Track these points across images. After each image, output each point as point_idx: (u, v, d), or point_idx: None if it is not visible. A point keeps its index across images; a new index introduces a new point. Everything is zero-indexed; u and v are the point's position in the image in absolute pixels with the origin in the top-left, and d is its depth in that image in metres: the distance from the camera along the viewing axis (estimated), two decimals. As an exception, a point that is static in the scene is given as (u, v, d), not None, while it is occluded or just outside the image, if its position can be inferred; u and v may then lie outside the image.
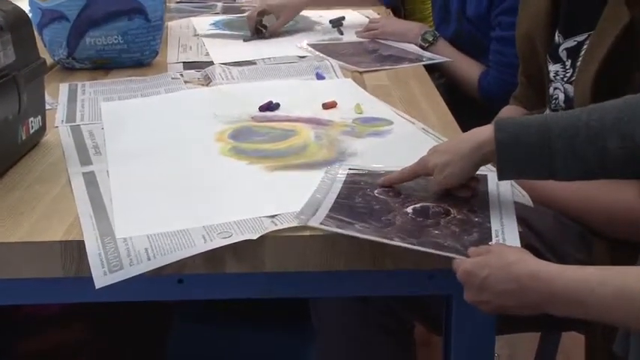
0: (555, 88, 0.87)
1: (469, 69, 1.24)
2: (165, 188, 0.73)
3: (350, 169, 0.75)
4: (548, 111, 0.88)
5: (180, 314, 1.09)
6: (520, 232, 0.64)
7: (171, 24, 1.46)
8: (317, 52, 1.24)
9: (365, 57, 1.22)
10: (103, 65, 1.15)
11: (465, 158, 0.67)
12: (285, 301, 0.94)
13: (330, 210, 0.65)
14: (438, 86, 1.08)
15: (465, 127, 0.92)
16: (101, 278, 0.59)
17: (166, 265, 0.60)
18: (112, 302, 0.64)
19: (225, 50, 1.27)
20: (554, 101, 0.88)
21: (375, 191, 0.69)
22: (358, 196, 0.68)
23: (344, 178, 0.72)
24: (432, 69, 1.23)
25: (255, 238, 0.62)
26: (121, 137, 0.87)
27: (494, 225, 0.64)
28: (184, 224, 0.65)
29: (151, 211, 0.68)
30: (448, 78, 1.28)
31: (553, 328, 0.92)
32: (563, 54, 0.85)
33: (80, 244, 0.62)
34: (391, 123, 0.91)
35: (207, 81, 1.10)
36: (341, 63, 1.17)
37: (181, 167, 0.78)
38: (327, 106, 0.97)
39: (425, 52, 1.26)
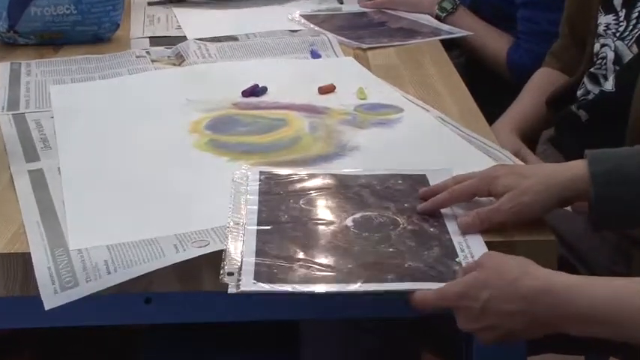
0: (603, 45, 0.86)
1: (496, 42, 1.24)
2: (129, 190, 0.73)
3: (261, 171, 0.73)
4: (586, 79, 0.87)
5: (148, 339, 1.09)
6: (547, 242, 0.64)
7: (135, -10, 1.47)
8: (311, 25, 1.24)
9: (369, 31, 1.23)
10: (53, 40, 1.15)
11: (551, 189, 0.63)
12: (271, 324, 0.94)
13: (258, 252, 0.62)
14: (455, 65, 1.08)
15: (489, 115, 0.93)
16: (51, 298, 0.59)
17: (131, 280, 0.61)
18: (66, 327, 0.65)
19: (202, 23, 1.27)
20: (599, 61, 0.87)
21: (301, 201, 0.68)
22: (282, 211, 0.67)
23: (257, 188, 0.71)
24: (450, 45, 1.23)
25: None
26: (74, 128, 0.87)
27: (455, 236, 0.64)
28: (152, 232, 0.65)
29: (111, 216, 0.68)
30: (470, 54, 1.29)
31: (596, 351, 0.93)
32: (617, 2, 0.84)
33: (26, 257, 0.62)
34: (401, 110, 0.91)
35: (180, 60, 1.10)
36: (340, 38, 1.17)
37: (148, 164, 0.78)
38: (324, 90, 0.97)
39: (442, 24, 1.26)
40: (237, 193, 0.70)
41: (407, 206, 0.68)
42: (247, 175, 0.73)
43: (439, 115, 0.89)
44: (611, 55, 0.85)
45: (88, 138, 0.85)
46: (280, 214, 0.67)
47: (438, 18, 1.28)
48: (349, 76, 1.02)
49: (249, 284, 0.59)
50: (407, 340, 0.80)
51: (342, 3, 1.38)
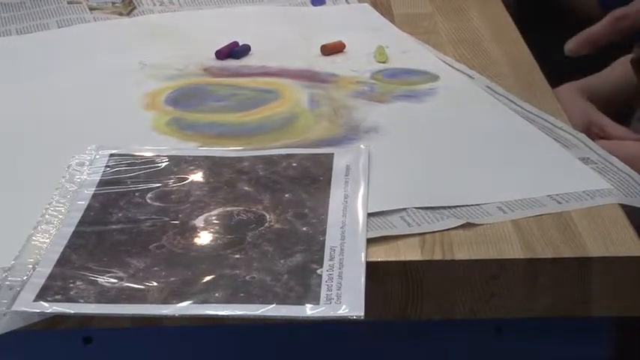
0: None
1: None
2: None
3: (112, 154, 0.76)
4: None
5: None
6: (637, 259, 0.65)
7: None
8: (312, -42, 1.26)
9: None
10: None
11: None
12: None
13: (60, 261, 0.64)
14: (507, 1, 1.09)
15: (556, 76, 0.93)
16: None
17: (64, 313, 0.62)
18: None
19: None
20: None
21: (149, 195, 0.71)
22: (118, 208, 0.70)
23: (97, 178, 0.73)
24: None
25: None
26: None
27: (331, 238, 0.66)
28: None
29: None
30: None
31: None
32: None
33: None
34: (436, 78, 0.92)
35: (129, 8, 1.11)
36: (352, -24, 1.18)
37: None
38: (329, 49, 0.98)
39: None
40: (69, 183, 0.73)
41: (287, 197, 0.71)
42: (92, 159, 0.76)
43: (488, 85, 0.90)
44: None
45: (2, 117, 0.86)
46: (113, 213, 0.70)
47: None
48: (364, 31, 1.03)
49: (25, 303, 0.61)
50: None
51: None
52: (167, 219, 0.69)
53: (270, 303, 0.61)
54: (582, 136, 0.81)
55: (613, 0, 1.19)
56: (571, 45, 0.73)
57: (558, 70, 0.97)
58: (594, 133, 1.02)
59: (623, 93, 1.08)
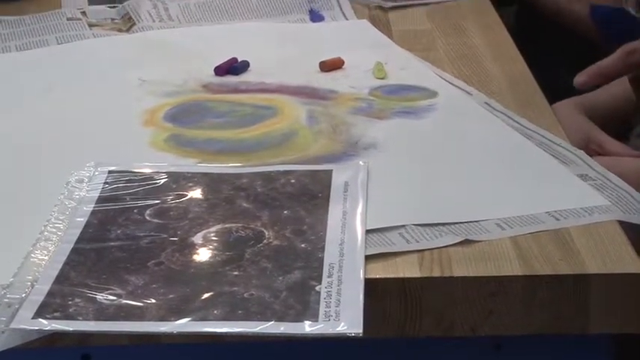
0: None
1: None
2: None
3: (111, 171, 0.76)
4: None
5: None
6: (638, 276, 0.65)
7: None
8: (311, -25, 1.26)
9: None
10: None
11: None
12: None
13: (58, 278, 0.64)
14: (505, 18, 1.09)
15: (555, 93, 0.94)
16: None
17: (62, 330, 0.62)
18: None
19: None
20: None
21: (147, 212, 0.71)
22: (117, 225, 0.70)
23: (96, 195, 0.73)
24: (502, 1, 1.25)
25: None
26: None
27: (330, 255, 0.66)
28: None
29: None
30: (536, 10, 1.29)
31: None
32: None
33: None
34: (435, 94, 0.92)
35: (128, 24, 1.12)
36: (352, -8, 1.19)
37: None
38: (328, 66, 0.98)
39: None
40: (67, 200, 0.73)
41: (286, 214, 0.71)
42: (91, 176, 0.76)
43: (486, 101, 0.91)
44: None
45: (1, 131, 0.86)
46: (112, 230, 0.69)
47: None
48: (363, 47, 1.04)
49: (23, 321, 0.61)
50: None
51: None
52: (166, 236, 0.69)
53: (269, 320, 0.60)
54: (580, 152, 0.81)
55: (603, 13, 1.20)
56: (581, 78, 0.74)
57: (556, 86, 0.97)
58: (592, 150, 1.02)
59: (621, 109, 1.08)
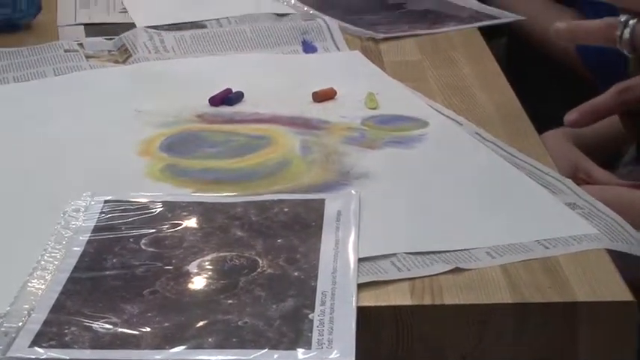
0: None
1: None
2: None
3: (107, 201, 0.77)
4: None
5: None
6: (625, 305, 0.65)
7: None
8: (305, 6, 1.26)
9: (383, 14, 1.25)
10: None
11: None
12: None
13: (55, 307, 0.65)
14: (495, 49, 1.10)
15: (543, 123, 0.94)
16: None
17: (59, 359, 0.62)
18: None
19: (155, 4, 1.29)
20: None
21: (143, 241, 0.72)
22: (112, 254, 0.70)
23: (92, 224, 0.74)
24: (493, 32, 1.26)
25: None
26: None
27: (322, 283, 0.67)
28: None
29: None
30: (527, 43, 1.30)
31: None
32: None
33: None
34: (426, 124, 0.93)
35: (125, 55, 1.12)
36: (344, 24, 1.19)
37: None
38: (321, 96, 0.99)
39: (483, 5, 1.28)
40: (64, 229, 0.73)
41: (279, 242, 0.72)
42: (87, 205, 0.76)
43: (476, 131, 0.91)
44: None
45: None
46: (108, 258, 0.70)
47: (478, -6, 1.31)
48: (355, 78, 1.05)
49: (20, 349, 0.61)
50: None
51: (346, -24, 1.41)
52: (161, 264, 0.70)
53: (263, 348, 0.61)
54: (569, 181, 0.82)
55: (592, 54, 1.21)
56: (572, 116, 0.74)
57: (545, 116, 0.98)
58: (580, 179, 1.03)
59: (609, 139, 1.09)
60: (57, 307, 0.65)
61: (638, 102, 0.76)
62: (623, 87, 0.75)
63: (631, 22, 0.74)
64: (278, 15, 1.23)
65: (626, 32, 0.74)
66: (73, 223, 0.75)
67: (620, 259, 0.71)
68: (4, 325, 0.63)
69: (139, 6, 1.28)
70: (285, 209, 0.76)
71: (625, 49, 0.75)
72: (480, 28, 1.20)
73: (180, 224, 0.75)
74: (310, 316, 0.63)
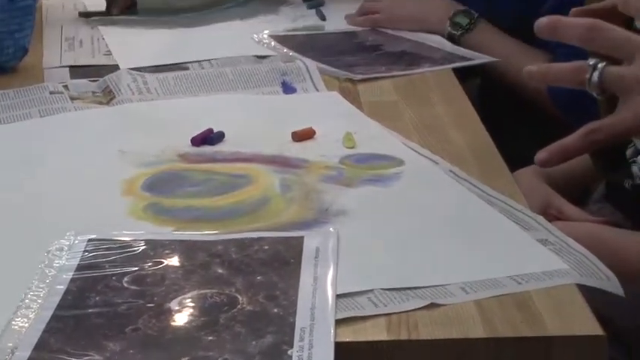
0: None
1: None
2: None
3: (91, 239, 0.78)
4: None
5: None
6: (594, 339, 0.67)
7: (49, 3, 1.50)
8: (284, 49, 1.28)
9: (361, 56, 1.27)
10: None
11: None
12: None
13: (38, 345, 0.65)
14: (469, 89, 1.11)
15: (515, 161, 0.96)
16: None
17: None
18: None
19: (139, 47, 1.31)
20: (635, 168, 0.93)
21: (125, 279, 0.73)
22: (95, 292, 0.71)
23: (75, 263, 0.75)
24: (467, 73, 1.28)
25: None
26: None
27: (301, 319, 0.68)
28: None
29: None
30: (500, 84, 1.33)
31: None
32: None
33: None
34: (402, 163, 0.94)
35: (109, 97, 1.13)
36: (322, 66, 1.21)
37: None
38: (300, 136, 1.00)
39: (457, 47, 1.30)
40: (48, 268, 0.74)
41: (259, 279, 0.73)
42: (70, 244, 0.78)
43: (451, 169, 0.93)
44: None
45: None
46: (91, 296, 0.71)
47: (451, 38, 1.33)
48: (333, 118, 1.06)
49: None
50: None
51: (324, 19, 1.43)
52: (143, 302, 0.70)
53: None
54: (540, 218, 0.83)
55: (562, 95, 1.23)
56: (542, 155, 0.76)
57: (517, 155, 1.00)
58: (551, 215, 1.04)
59: (579, 176, 1.11)
60: (40, 345, 0.66)
61: (607, 142, 0.78)
62: (592, 128, 0.76)
63: (599, 65, 0.76)
64: (258, 57, 1.25)
65: (595, 75, 0.76)
66: (57, 261, 0.76)
67: (588, 292, 0.73)
68: None
69: (123, 48, 1.30)
70: (265, 247, 0.78)
71: (594, 91, 0.77)
72: (455, 69, 1.22)
73: (162, 262, 0.76)
74: (289, 352, 0.64)
